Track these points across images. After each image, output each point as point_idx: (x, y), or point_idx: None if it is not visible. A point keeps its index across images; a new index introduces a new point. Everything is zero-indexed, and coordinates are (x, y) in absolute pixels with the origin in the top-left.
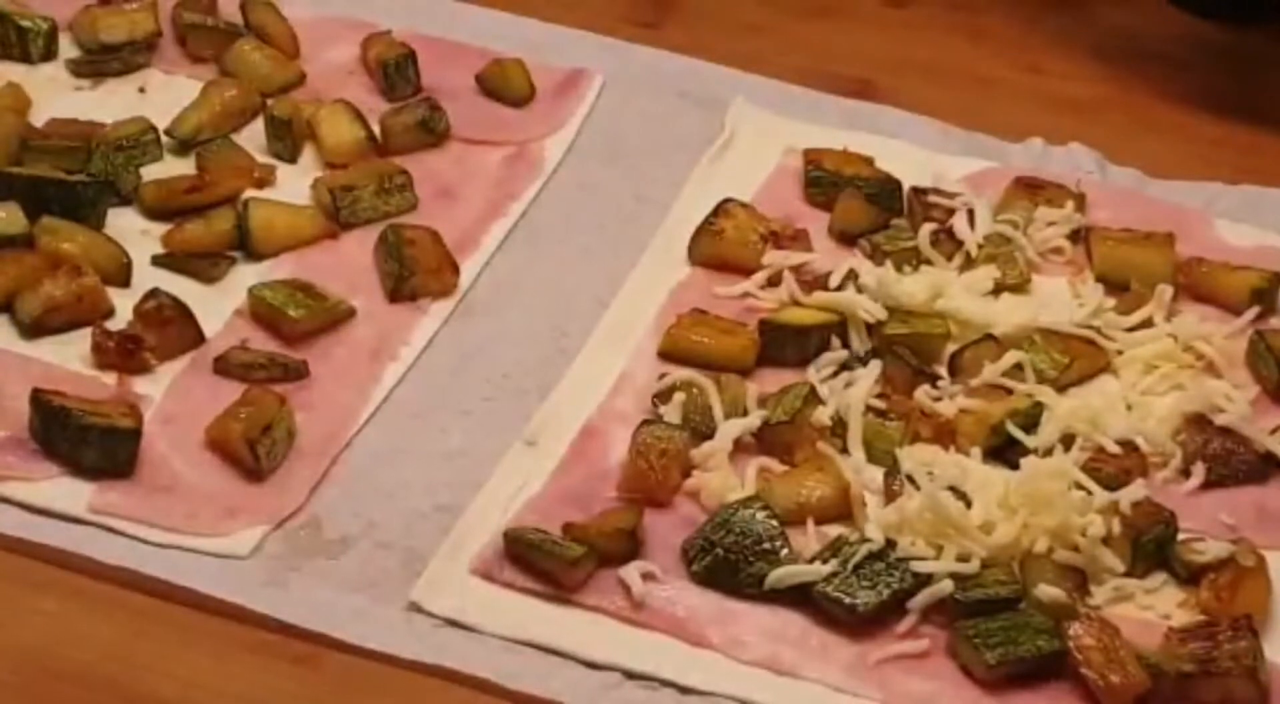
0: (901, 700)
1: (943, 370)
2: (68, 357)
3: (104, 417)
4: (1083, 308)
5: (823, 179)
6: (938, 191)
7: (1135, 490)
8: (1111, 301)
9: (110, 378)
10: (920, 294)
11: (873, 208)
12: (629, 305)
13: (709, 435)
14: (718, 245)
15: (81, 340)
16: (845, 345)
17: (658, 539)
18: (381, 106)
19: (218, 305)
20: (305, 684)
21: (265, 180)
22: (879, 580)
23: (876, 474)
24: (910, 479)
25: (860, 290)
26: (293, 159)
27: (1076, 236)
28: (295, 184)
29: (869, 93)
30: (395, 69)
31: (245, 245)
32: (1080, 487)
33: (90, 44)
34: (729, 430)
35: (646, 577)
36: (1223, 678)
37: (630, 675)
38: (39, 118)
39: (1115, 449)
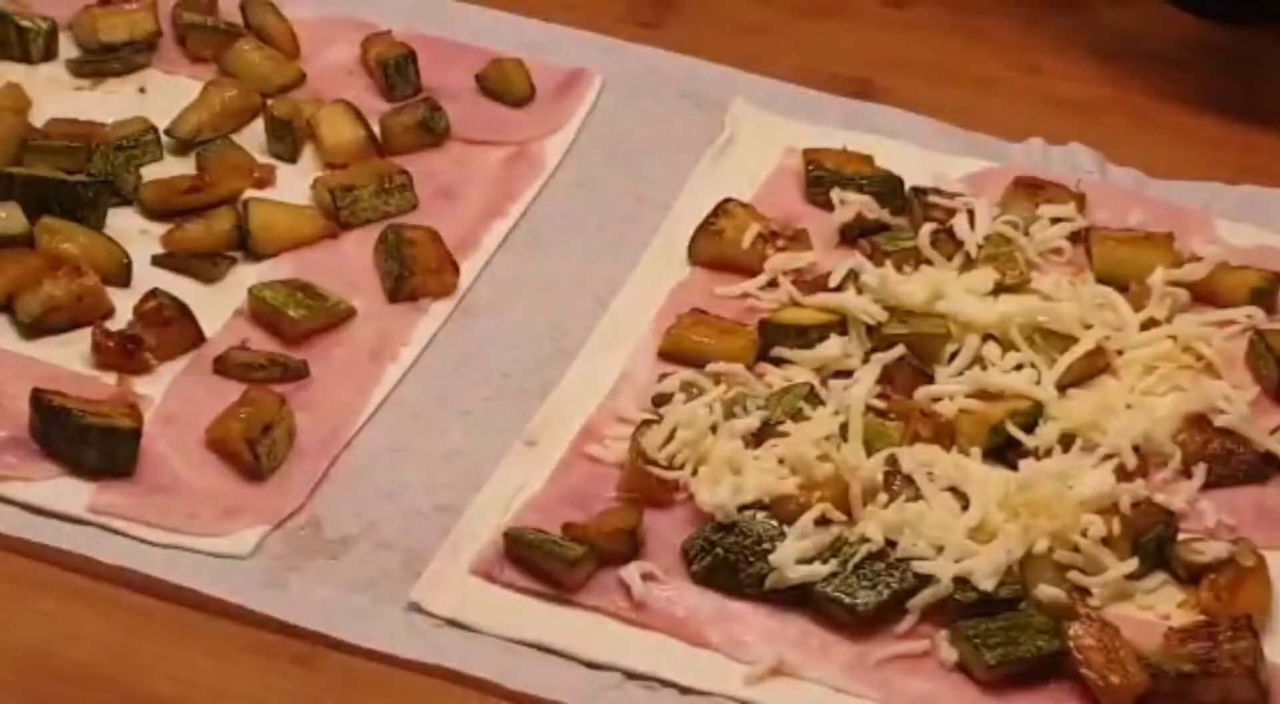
0: (901, 700)
1: (943, 370)
2: (68, 357)
3: (104, 417)
4: (1083, 308)
5: (823, 179)
6: (938, 191)
7: (1135, 490)
8: (1114, 301)
9: (110, 378)
10: (920, 294)
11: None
12: (629, 305)
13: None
14: (718, 245)
15: (81, 340)
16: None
17: (658, 539)
18: (381, 106)
19: (218, 305)
20: (305, 684)
21: (265, 180)
22: (879, 580)
23: (876, 474)
24: (910, 479)
25: (860, 290)
26: (293, 159)
27: (1076, 237)
28: (295, 184)
29: (869, 93)
30: (395, 69)
31: (245, 245)
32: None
33: (90, 44)
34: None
35: (646, 577)
36: (1223, 678)
37: (630, 675)
38: (39, 118)
39: (1115, 450)
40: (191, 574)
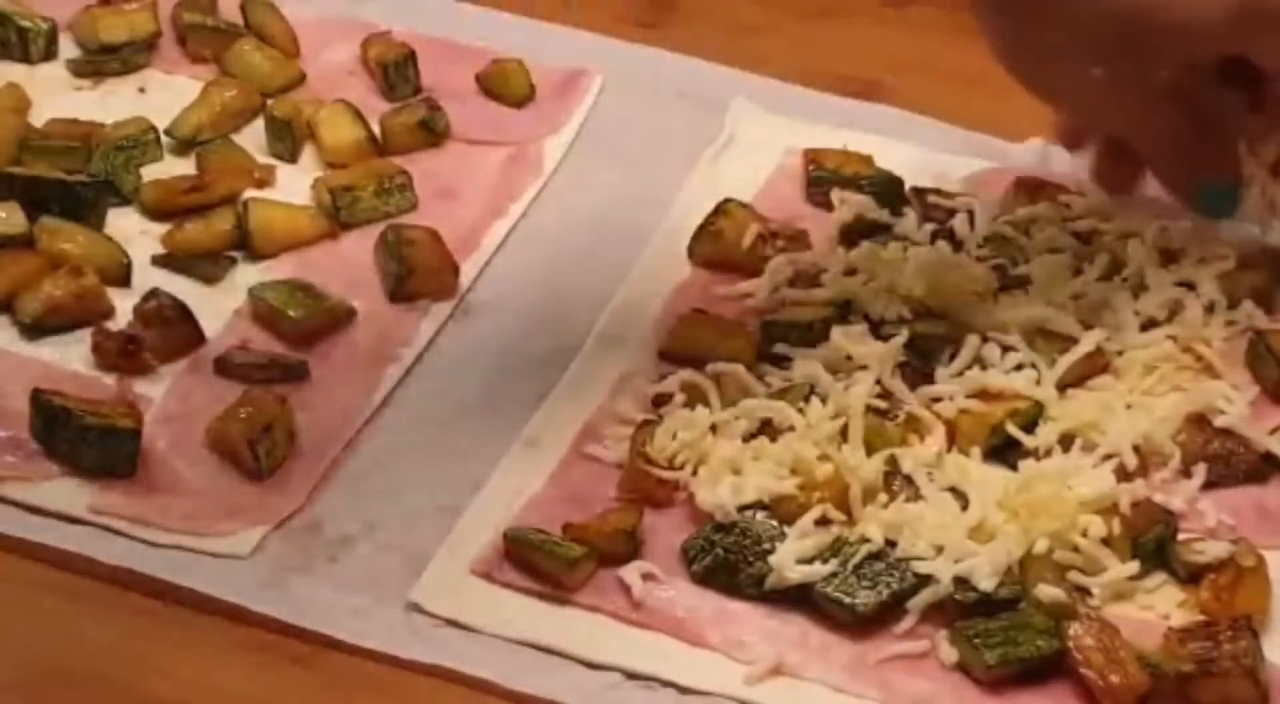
0: (901, 700)
1: (943, 370)
2: (68, 356)
3: (104, 417)
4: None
5: (823, 179)
6: (938, 192)
7: (1135, 490)
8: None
9: (110, 378)
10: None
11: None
12: (629, 305)
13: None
14: (718, 245)
15: (81, 340)
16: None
17: (658, 539)
18: (381, 106)
19: (218, 305)
20: (305, 684)
21: (265, 180)
22: (879, 580)
23: (877, 474)
24: (910, 479)
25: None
26: (293, 159)
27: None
28: (295, 184)
29: (869, 93)
30: (395, 69)
31: (245, 245)
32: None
33: (90, 44)
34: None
35: (646, 577)
36: (1223, 678)
37: (630, 675)
38: (39, 118)
39: (1115, 450)
40: (191, 574)
